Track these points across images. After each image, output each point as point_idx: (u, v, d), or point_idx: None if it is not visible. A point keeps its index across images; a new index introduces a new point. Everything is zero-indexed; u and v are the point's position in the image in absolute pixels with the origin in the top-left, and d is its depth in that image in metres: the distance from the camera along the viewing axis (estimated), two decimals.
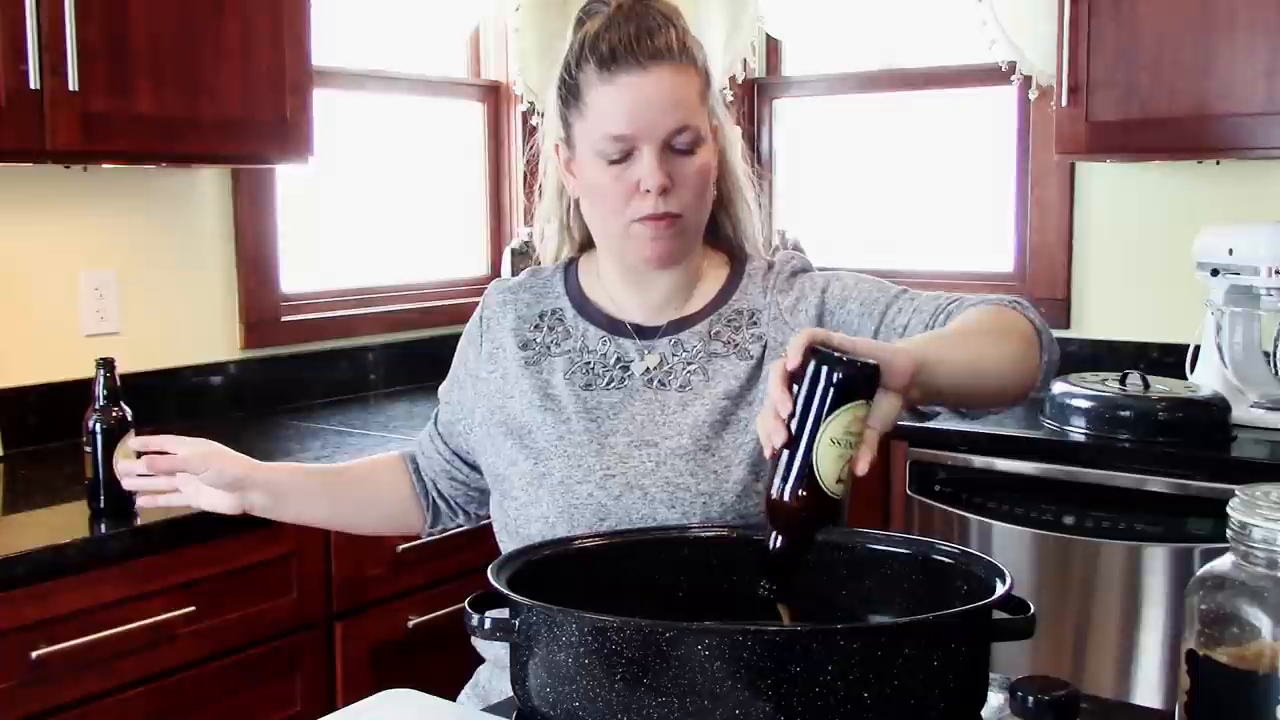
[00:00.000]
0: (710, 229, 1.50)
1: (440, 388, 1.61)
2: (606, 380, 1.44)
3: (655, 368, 1.44)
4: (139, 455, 1.50)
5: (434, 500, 1.61)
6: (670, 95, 1.37)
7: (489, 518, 1.55)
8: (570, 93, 1.41)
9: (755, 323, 1.45)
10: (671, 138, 1.37)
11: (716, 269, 1.51)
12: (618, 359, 1.45)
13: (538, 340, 1.48)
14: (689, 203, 1.39)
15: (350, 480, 1.62)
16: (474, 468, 1.56)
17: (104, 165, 2.39)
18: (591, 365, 1.45)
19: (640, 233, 1.39)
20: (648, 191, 1.36)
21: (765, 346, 1.43)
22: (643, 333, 1.47)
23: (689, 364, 1.44)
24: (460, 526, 1.66)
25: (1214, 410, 2.45)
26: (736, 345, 1.44)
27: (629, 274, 1.47)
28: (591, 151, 1.39)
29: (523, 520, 1.41)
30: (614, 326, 1.47)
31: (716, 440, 1.38)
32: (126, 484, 1.53)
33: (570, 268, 1.54)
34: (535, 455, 1.42)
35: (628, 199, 1.38)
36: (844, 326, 1.41)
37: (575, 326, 1.48)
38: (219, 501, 1.51)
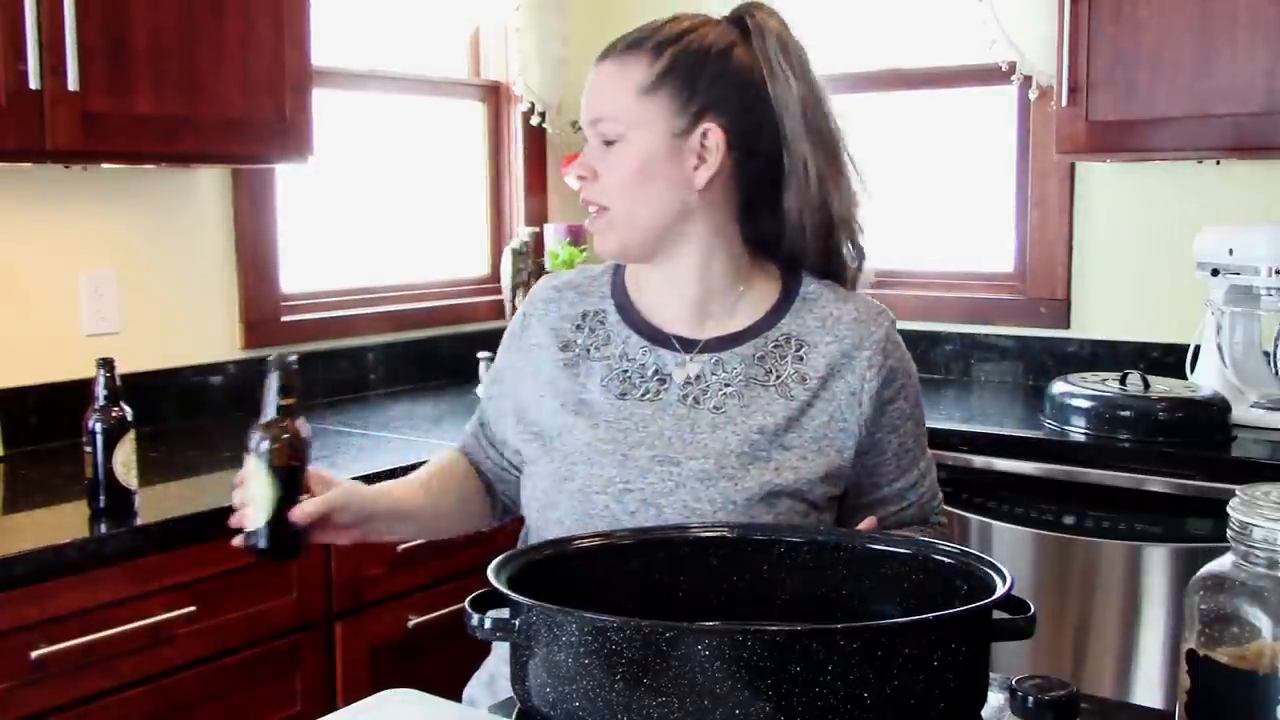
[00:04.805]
0: (760, 240, 1.47)
1: (480, 389, 1.61)
2: (642, 391, 1.44)
3: (693, 382, 1.43)
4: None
5: (498, 497, 1.60)
6: (599, 86, 1.41)
7: None
8: None
9: (801, 357, 1.42)
10: (591, 129, 1.42)
11: (767, 283, 1.48)
12: (656, 370, 1.45)
13: (578, 342, 1.48)
14: (610, 196, 1.41)
15: (441, 486, 1.55)
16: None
17: (104, 165, 2.39)
18: (629, 374, 1.44)
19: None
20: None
21: (814, 398, 1.41)
22: (686, 345, 1.46)
23: (726, 385, 1.42)
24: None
25: (1214, 410, 2.45)
26: (779, 378, 1.42)
27: (656, 276, 1.47)
28: None
29: (542, 522, 1.42)
30: (656, 336, 1.46)
31: (742, 472, 1.37)
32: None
33: (619, 269, 1.54)
34: (561, 459, 1.41)
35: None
36: (884, 445, 1.45)
37: (617, 332, 1.47)
38: (335, 538, 1.42)
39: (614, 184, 1.41)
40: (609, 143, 1.40)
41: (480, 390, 1.62)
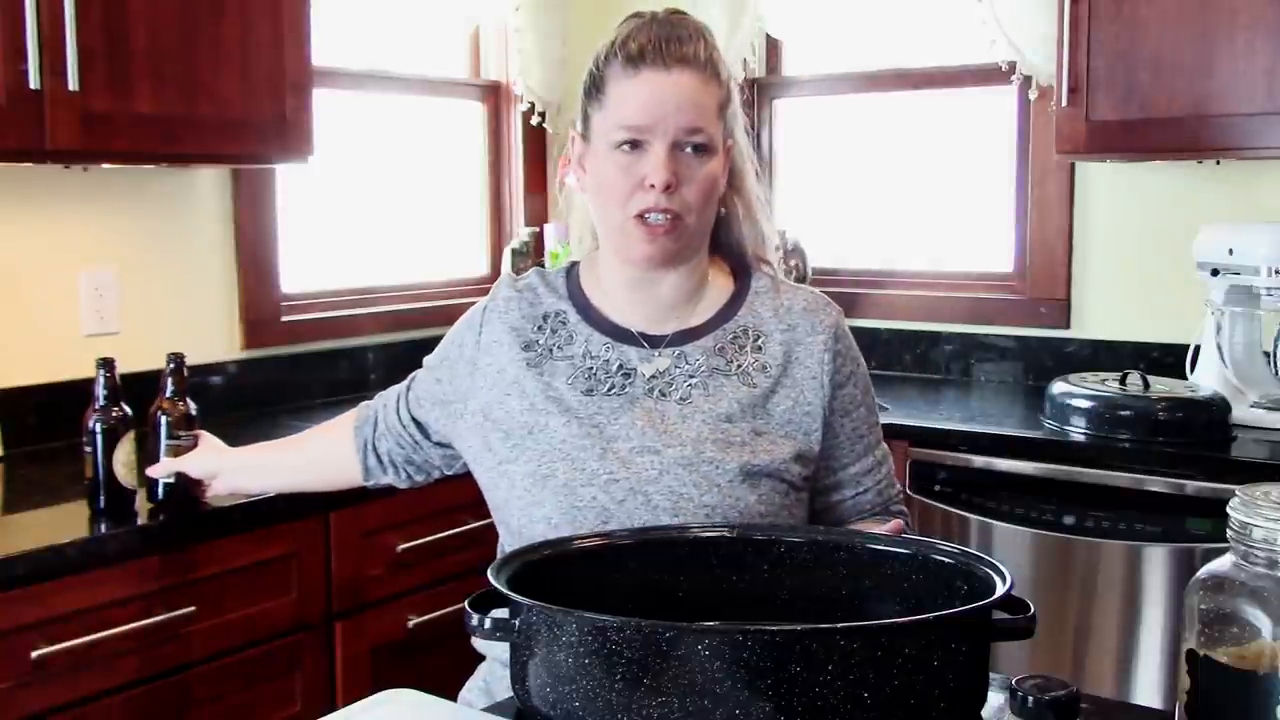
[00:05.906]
0: (717, 240, 1.53)
1: (426, 359, 1.63)
2: (608, 386, 1.46)
3: (658, 376, 1.46)
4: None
5: (369, 453, 1.65)
6: (689, 96, 1.41)
7: (423, 484, 1.66)
8: (594, 85, 1.45)
9: (760, 347, 1.48)
10: (684, 137, 1.40)
11: (722, 279, 1.54)
12: (620, 365, 1.47)
13: (540, 342, 1.49)
14: (691, 205, 1.41)
15: (299, 448, 1.80)
16: (426, 436, 1.60)
17: (104, 165, 2.39)
18: (594, 371, 1.47)
19: (637, 231, 1.41)
20: (652, 186, 1.39)
21: (775, 385, 1.46)
22: (649, 341, 1.48)
23: (690, 376, 1.46)
24: (390, 484, 1.68)
25: (1214, 410, 2.45)
26: (740, 367, 1.46)
27: (631, 278, 1.48)
28: (606, 142, 1.42)
29: (525, 520, 1.43)
30: (619, 334, 1.49)
31: (721, 455, 1.40)
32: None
33: (572, 270, 1.56)
34: (539, 457, 1.43)
35: (632, 192, 1.40)
36: (836, 429, 1.48)
37: (579, 331, 1.49)
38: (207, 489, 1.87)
39: (697, 195, 1.42)
40: (699, 153, 1.41)
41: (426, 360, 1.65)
